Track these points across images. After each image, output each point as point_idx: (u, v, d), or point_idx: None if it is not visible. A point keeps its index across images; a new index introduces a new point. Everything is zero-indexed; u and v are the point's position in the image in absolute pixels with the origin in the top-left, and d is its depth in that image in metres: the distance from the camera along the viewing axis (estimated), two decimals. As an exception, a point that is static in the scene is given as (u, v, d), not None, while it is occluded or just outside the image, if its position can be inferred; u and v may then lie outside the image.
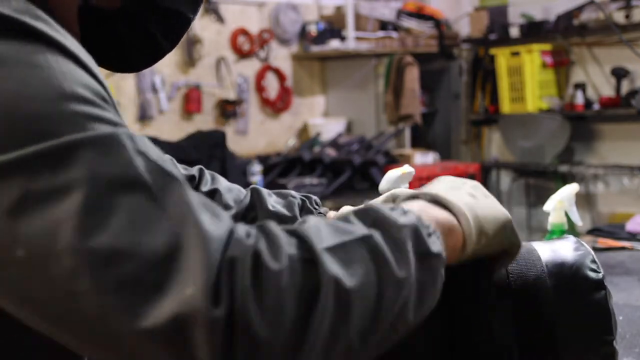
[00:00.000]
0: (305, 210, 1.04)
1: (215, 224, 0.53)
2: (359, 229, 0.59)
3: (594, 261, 0.75)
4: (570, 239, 0.80)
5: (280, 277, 0.52)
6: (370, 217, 0.61)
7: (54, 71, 0.55)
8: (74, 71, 0.56)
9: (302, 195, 1.05)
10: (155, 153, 0.56)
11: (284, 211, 1.02)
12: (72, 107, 0.54)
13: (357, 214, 0.61)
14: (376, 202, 0.74)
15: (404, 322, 0.59)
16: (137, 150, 0.55)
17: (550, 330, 0.72)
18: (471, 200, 0.69)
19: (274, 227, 0.56)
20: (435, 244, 0.62)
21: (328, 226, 0.58)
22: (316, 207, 1.04)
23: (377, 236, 0.58)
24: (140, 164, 0.54)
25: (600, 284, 0.74)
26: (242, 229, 0.54)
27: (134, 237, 0.51)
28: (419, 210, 0.65)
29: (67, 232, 0.50)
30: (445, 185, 0.72)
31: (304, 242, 0.55)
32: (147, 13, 0.77)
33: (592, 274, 0.74)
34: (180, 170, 1.04)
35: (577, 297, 0.73)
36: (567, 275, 0.74)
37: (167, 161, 0.56)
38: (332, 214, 1.02)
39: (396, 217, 0.61)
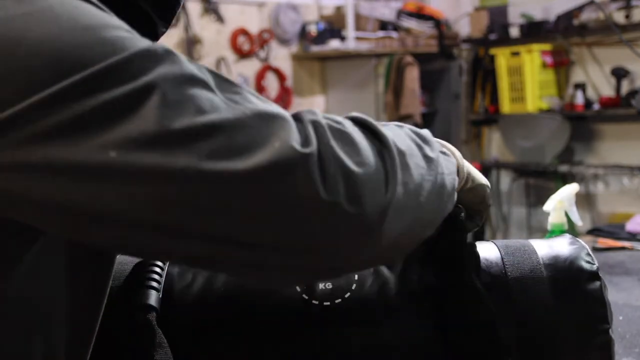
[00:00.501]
0: None
1: (277, 108, 0.57)
2: (383, 129, 0.63)
3: (588, 254, 0.77)
4: (566, 236, 0.82)
5: (352, 134, 0.58)
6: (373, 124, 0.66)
7: (92, 10, 0.57)
8: (105, 13, 0.58)
9: None
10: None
11: None
12: (122, 33, 0.56)
13: (359, 121, 0.66)
14: None
15: (448, 194, 0.64)
16: (187, 61, 0.59)
17: (547, 320, 0.73)
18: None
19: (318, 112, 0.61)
20: (447, 150, 0.69)
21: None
22: None
23: (407, 129, 0.65)
24: (194, 67, 0.58)
25: (595, 275, 0.75)
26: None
27: (218, 112, 0.53)
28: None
29: (153, 124, 0.52)
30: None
31: (358, 120, 0.62)
32: None
33: (586, 265, 0.76)
34: None
35: (572, 287, 0.75)
36: (562, 267, 0.76)
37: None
38: None
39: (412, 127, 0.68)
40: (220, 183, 0.52)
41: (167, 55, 0.58)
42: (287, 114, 0.56)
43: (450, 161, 0.67)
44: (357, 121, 0.62)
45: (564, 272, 0.75)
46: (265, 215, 0.52)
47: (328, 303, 0.75)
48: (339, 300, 0.76)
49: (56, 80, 0.51)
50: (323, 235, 0.53)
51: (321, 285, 0.76)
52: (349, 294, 0.76)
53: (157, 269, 0.77)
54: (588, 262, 0.76)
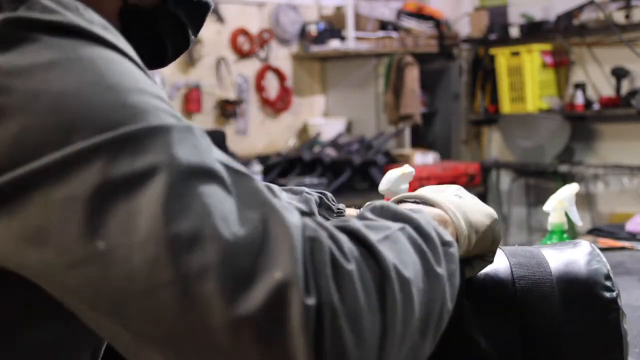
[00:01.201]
0: (323, 206, 1.01)
1: (290, 213, 0.52)
2: (391, 224, 0.58)
3: (608, 277, 0.72)
4: (584, 247, 0.76)
5: (352, 272, 0.51)
6: (389, 213, 0.61)
7: (125, 67, 0.54)
8: (139, 73, 0.56)
9: (318, 192, 1.03)
10: (219, 150, 0.56)
11: (302, 206, 0.99)
12: (148, 99, 0.53)
13: (373, 211, 0.61)
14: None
15: (447, 312, 0.59)
16: (209, 144, 0.54)
17: (558, 351, 0.70)
18: (457, 199, 0.71)
19: (323, 221, 0.55)
20: (447, 234, 0.62)
21: (364, 225, 0.57)
22: (333, 203, 1.02)
23: (410, 229, 0.59)
24: (214, 156, 0.53)
25: (613, 304, 0.70)
26: (308, 219, 0.54)
27: (216, 223, 0.49)
28: (415, 210, 0.65)
29: (150, 220, 0.48)
30: (429, 190, 0.74)
31: (356, 236, 0.54)
32: (180, 6, 0.77)
33: (605, 294, 0.71)
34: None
35: (587, 317, 0.70)
36: (578, 294, 0.71)
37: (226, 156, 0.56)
38: (351, 211, 1.01)
39: (409, 213, 0.61)
40: (202, 316, 0.47)
41: (187, 135, 0.53)
42: (292, 219, 0.51)
43: (454, 259, 0.61)
44: (355, 236, 0.55)
45: (579, 300, 0.71)
46: None
47: None
48: None
49: (66, 142, 0.50)
50: None
51: None
52: None
53: None
54: (607, 288, 0.71)
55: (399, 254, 0.55)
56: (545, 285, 0.72)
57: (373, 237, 0.55)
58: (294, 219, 0.52)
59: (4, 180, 0.50)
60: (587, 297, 0.71)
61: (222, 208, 0.50)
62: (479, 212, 0.72)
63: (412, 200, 0.70)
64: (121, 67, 0.54)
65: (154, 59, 0.80)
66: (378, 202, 0.63)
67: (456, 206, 0.70)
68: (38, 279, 0.52)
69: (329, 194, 1.03)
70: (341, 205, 1.02)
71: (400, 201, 0.71)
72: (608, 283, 0.71)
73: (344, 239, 0.53)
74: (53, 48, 0.52)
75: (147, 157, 0.50)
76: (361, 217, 0.61)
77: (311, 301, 0.48)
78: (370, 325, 0.50)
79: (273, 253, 0.49)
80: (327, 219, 0.93)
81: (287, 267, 0.48)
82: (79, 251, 0.49)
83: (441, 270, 0.58)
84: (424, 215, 0.62)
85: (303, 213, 0.87)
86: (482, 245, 0.72)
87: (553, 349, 0.70)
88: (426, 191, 0.73)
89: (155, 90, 0.55)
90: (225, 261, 0.48)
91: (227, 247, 0.49)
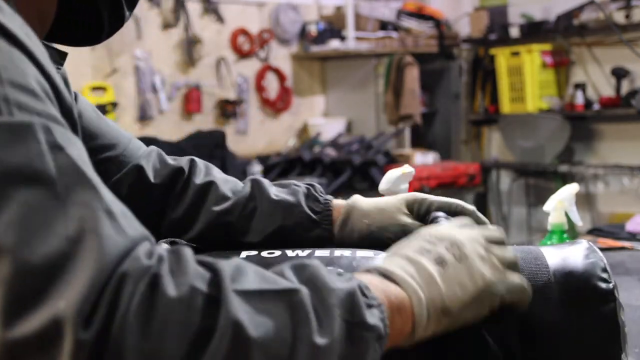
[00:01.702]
0: (311, 197, 0.98)
1: (117, 236, 0.50)
2: (287, 283, 0.55)
3: (605, 270, 0.72)
4: (582, 244, 0.77)
5: (174, 306, 0.48)
6: (306, 273, 0.57)
7: (15, 58, 0.53)
8: (17, 60, 0.54)
9: (306, 184, 1.01)
10: (77, 151, 0.53)
11: (289, 198, 0.97)
12: (15, 95, 0.51)
13: (295, 267, 0.57)
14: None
15: None
16: (52, 144, 0.51)
17: (555, 343, 0.70)
18: (436, 269, 0.65)
19: (187, 254, 0.52)
20: (374, 317, 0.57)
21: (256, 271, 0.54)
22: (321, 194, 1.00)
23: (305, 293, 0.54)
24: (51, 158, 0.50)
25: (610, 296, 0.71)
26: (145, 248, 0.51)
27: (21, 236, 0.47)
28: (369, 282, 0.61)
29: None
30: (416, 248, 0.67)
31: (214, 278, 0.51)
32: None
33: (602, 285, 0.71)
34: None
35: (584, 308, 0.71)
36: (575, 286, 0.71)
37: (87, 163, 0.53)
38: (339, 202, 1.00)
39: (334, 279, 0.57)
40: None
41: (26, 137, 0.50)
42: (109, 248, 0.49)
43: (362, 342, 0.56)
44: (213, 279, 0.51)
45: (577, 291, 0.71)
46: None
47: None
48: None
49: None
50: None
51: None
52: None
53: None
54: (604, 279, 0.71)
55: (259, 312, 0.51)
56: (542, 277, 0.72)
57: (237, 285, 0.51)
58: (115, 244, 0.49)
59: None
60: (583, 289, 0.71)
61: (34, 219, 0.48)
62: (461, 286, 0.65)
63: (378, 272, 0.64)
64: (7, 57, 0.53)
65: (90, 34, 0.80)
66: (309, 264, 0.58)
67: (429, 284, 0.63)
68: None
69: (317, 186, 1.01)
70: (329, 197, 1.00)
71: (367, 271, 0.66)
72: (604, 275, 0.72)
73: (193, 272, 0.51)
74: None
75: None
76: (274, 270, 0.57)
77: (87, 335, 0.46)
78: None
79: (67, 281, 0.47)
80: (315, 211, 0.91)
81: (73, 299, 0.46)
82: None
83: (323, 341, 0.53)
84: (358, 289, 0.57)
85: (173, 242, 0.84)
86: (469, 317, 0.66)
87: (551, 340, 0.70)
88: (414, 245, 0.67)
89: (28, 80, 0.53)
90: (14, 281, 0.46)
91: (20, 266, 0.46)
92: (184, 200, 0.96)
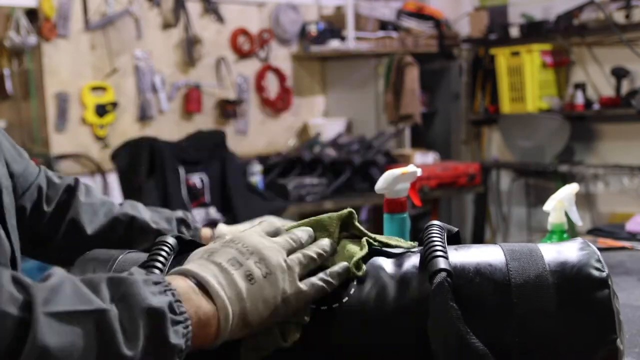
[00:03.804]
0: (183, 224, 1.13)
1: None
2: (99, 302, 0.59)
3: (598, 260, 0.74)
4: (577, 240, 0.78)
5: None
6: (121, 290, 0.61)
7: None
8: None
9: (182, 212, 1.17)
10: None
11: (164, 225, 1.10)
12: None
13: (111, 281, 0.62)
14: (194, 255, 0.75)
15: None
16: None
17: (549, 328, 0.71)
18: (245, 285, 0.71)
19: (3, 276, 0.55)
20: (177, 335, 0.63)
21: (72, 288, 0.58)
22: (194, 222, 1.13)
23: (114, 313, 0.59)
24: None
25: (604, 283, 0.72)
26: None
27: None
28: (184, 293, 0.66)
29: None
30: (230, 257, 0.73)
31: (27, 303, 0.55)
32: None
33: (595, 272, 0.73)
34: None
35: (579, 295, 0.72)
36: (569, 273, 0.73)
37: None
38: (207, 231, 1.12)
39: (147, 296, 0.62)
40: None
41: None
42: None
43: (161, 357, 0.62)
44: (27, 302, 0.55)
45: (571, 279, 0.72)
46: None
47: (325, 307, 0.76)
48: (336, 304, 0.76)
49: None
50: None
51: None
52: (347, 298, 0.76)
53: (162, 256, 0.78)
54: (597, 268, 0.73)
55: (67, 334, 0.55)
56: (537, 267, 0.73)
57: (50, 308, 0.55)
58: None
59: None
60: (578, 276, 0.73)
61: None
62: (263, 302, 0.71)
63: (197, 279, 0.70)
64: None
65: None
66: (126, 278, 0.63)
67: (237, 299, 0.70)
68: None
69: (190, 215, 1.17)
70: (198, 225, 1.15)
71: (185, 272, 0.70)
72: (598, 265, 0.73)
73: (6, 298, 0.54)
74: None
75: None
76: (88, 281, 0.61)
77: None
78: None
79: None
80: (184, 237, 0.92)
81: None
82: None
83: (129, 354, 0.58)
84: (168, 307, 0.62)
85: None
86: (268, 324, 0.73)
87: (546, 327, 0.71)
88: (228, 254, 0.73)
89: None
90: None
91: None
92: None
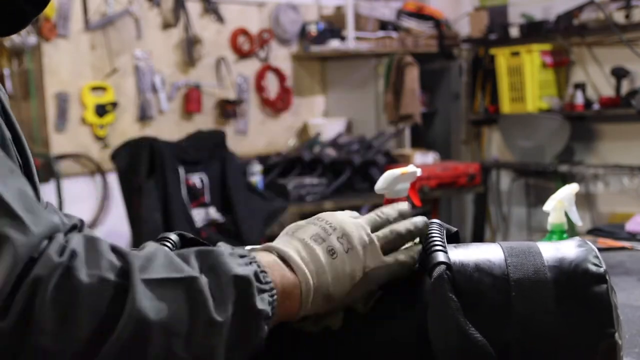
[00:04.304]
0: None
1: (26, 236, 0.54)
2: (190, 270, 0.62)
3: (596, 256, 0.75)
4: (574, 239, 0.79)
5: (85, 295, 0.55)
6: (209, 261, 0.64)
7: None
8: None
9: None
10: None
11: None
12: None
13: (200, 253, 0.65)
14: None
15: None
16: None
17: (548, 323, 0.71)
18: (327, 260, 0.72)
19: (102, 245, 0.59)
20: (263, 302, 0.65)
21: (165, 257, 0.62)
22: None
23: (203, 280, 0.62)
24: None
25: (601, 278, 0.73)
26: (56, 245, 0.56)
27: None
28: (268, 265, 0.68)
29: None
30: (313, 233, 0.74)
31: (125, 270, 0.58)
32: None
33: (593, 268, 0.73)
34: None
35: (577, 289, 0.72)
36: (567, 269, 0.73)
37: (2, 157, 0.58)
38: None
39: (234, 266, 0.64)
40: None
41: None
42: (32, 249, 0.55)
43: (251, 324, 0.64)
44: (123, 269, 0.58)
45: (569, 274, 0.73)
46: None
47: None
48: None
49: None
50: None
51: None
52: None
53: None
54: (595, 264, 0.73)
55: (161, 298, 0.58)
56: (535, 264, 0.74)
57: (145, 275, 0.58)
58: (21, 250, 0.53)
59: None
60: (575, 272, 0.73)
61: None
62: (344, 276, 0.72)
63: (279, 254, 0.71)
64: None
65: (11, 23, 0.82)
66: (213, 250, 0.65)
67: (320, 273, 0.71)
68: None
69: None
70: None
71: (269, 249, 0.72)
72: (595, 261, 0.74)
73: (106, 264, 0.57)
74: None
75: None
76: (180, 253, 0.64)
77: (4, 323, 0.52)
78: (81, 343, 0.54)
79: None
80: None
81: None
82: None
83: (219, 319, 0.61)
84: (254, 276, 0.65)
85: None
86: (350, 300, 0.73)
87: (544, 322, 0.71)
88: (310, 231, 0.74)
89: None
90: None
91: None
92: None
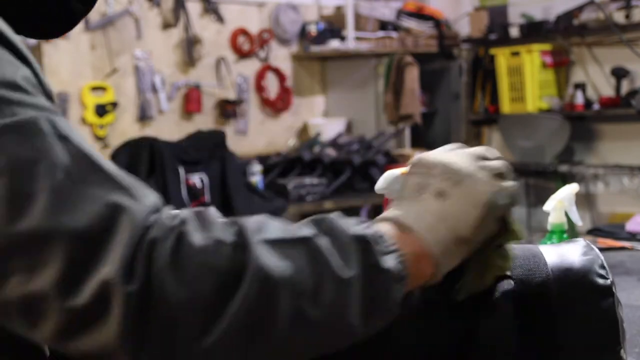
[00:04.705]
0: None
1: (139, 205, 0.55)
2: (307, 232, 0.60)
3: (602, 266, 0.72)
4: (580, 243, 0.77)
5: (204, 256, 0.54)
6: (325, 224, 0.61)
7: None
8: (5, 58, 0.58)
9: None
10: (78, 137, 0.57)
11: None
12: (8, 95, 0.55)
13: (313, 220, 0.62)
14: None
15: (347, 325, 0.59)
16: (58, 135, 0.56)
17: (554, 338, 0.70)
18: (439, 205, 0.67)
19: (212, 213, 0.58)
20: (390, 261, 0.61)
21: (278, 222, 0.60)
22: None
23: (322, 239, 0.59)
24: (60, 148, 0.55)
25: (608, 291, 0.71)
26: (167, 213, 0.57)
27: (58, 219, 0.52)
28: (385, 232, 0.65)
29: None
30: (413, 186, 0.70)
31: (240, 231, 0.57)
32: None
33: (599, 280, 0.71)
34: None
35: (582, 304, 0.71)
36: (573, 281, 0.71)
37: (89, 146, 0.58)
38: None
39: (349, 227, 0.62)
40: (45, 305, 0.53)
41: (34, 132, 0.55)
42: (138, 217, 0.55)
43: (380, 284, 0.61)
44: (240, 233, 0.57)
45: (575, 286, 0.71)
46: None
47: None
48: None
49: None
50: None
51: None
52: None
53: None
54: (601, 275, 0.71)
55: (282, 256, 0.56)
56: (541, 274, 0.72)
57: (261, 236, 0.57)
58: (138, 216, 0.54)
59: None
60: (581, 284, 0.71)
61: (64, 203, 0.53)
62: (466, 211, 0.67)
63: (394, 222, 0.67)
64: None
65: (35, 29, 0.81)
66: (327, 216, 0.63)
67: (436, 221, 0.66)
68: None
69: None
70: None
71: (386, 219, 0.68)
72: (602, 271, 0.72)
73: (219, 228, 0.56)
74: None
75: None
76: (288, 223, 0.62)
77: (132, 287, 0.52)
78: (206, 303, 0.53)
79: (107, 250, 0.53)
80: None
81: (115, 263, 0.52)
82: None
83: (345, 275, 0.58)
84: (373, 235, 0.62)
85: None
86: (487, 232, 0.69)
87: (549, 335, 0.70)
88: (411, 193, 0.70)
89: (18, 76, 0.57)
90: (65, 257, 0.52)
91: (68, 244, 0.52)
92: None
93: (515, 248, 0.77)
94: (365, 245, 0.61)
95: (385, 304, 0.61)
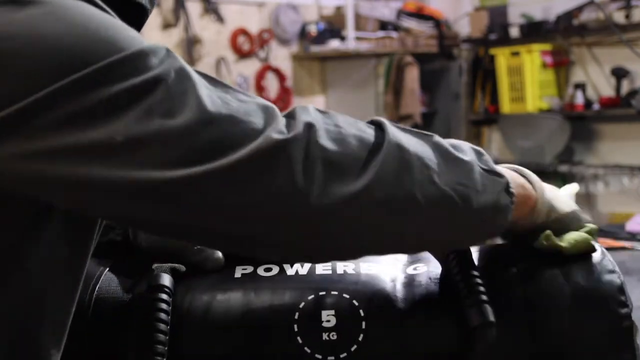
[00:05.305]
0: None
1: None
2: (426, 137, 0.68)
3: (622, 290, 0.70)
4: (599, 262, 0.73)
5: (352, 127, 0.63)
6: (433, 139, 0.70)
7: (96, 12, 0.61)
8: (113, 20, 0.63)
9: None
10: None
11: None
12: (125, 33, 0.61)
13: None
14: None
15: (468, 206, 0.64)
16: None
17: None
18: (551, 187, 0.76)
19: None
20: (501, 182, 0.67)
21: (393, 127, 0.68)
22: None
23: (442, 139, 0.68)
24: (200, 76, 0.64)
25: (626, 319, 0.69)
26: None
27: (215, 107, 0.59)
28: (505, 172, 0.71)
29: (156, 116, 0.57)
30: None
31: (375, 120, 0.66)
32: None
33: (621, 310, 0.69)
34: None
35: (600, 333, 0.68)
36: (590, 308, 0.69)
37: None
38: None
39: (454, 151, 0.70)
40: (207, 179, 0.57)
41: (168, 53, 0.63)
42: (275, 109, 0.62)
43: (496, 182, 0.67)
44: (377, 123, 0.65)
45: (592, 313, 0.69)
46: (248, 207, 0.59)
47: (332, 358, 0.70)
48: (344, 354, 0.70)
49: (62, 76, 0.55)
50: (294, 226, 0.60)
51: (325, 336, 0.70)
52: (355, 346, 0.70)
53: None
54: (622, 303, 0.69)
55: (410, 138, 0.65)
56: (556, 300, 0.71)
57: (392, 128, 0.65)
58: (271, 107, 0.62)
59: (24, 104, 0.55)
60: (599, 312, 0.69)
61: (210, 97, 0.60)
62: (561, 200, 0.76)
63: (512, 167, 0.74)
64: (92, 12, 0.61)
65: (135, 20, 0.83)
66: (433, 134, 0.71)
67: (542, 187, 0.74)
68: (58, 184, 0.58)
69: None
70: None
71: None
72: (622, 297, 0.70)
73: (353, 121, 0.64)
74: (28, 6, 0.58)
75: (145, 74, 0.58)
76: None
77: (294, 133, 0.59)
78: (355, 162, 0.61)
79: (256, 124, 0.60)
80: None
81: (274, 126, 0.60)
82: (100, 147, 0.57)
83: (466, 158, 0.66)
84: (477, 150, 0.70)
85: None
86: (563, 225, 0.75)
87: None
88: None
89: (126, 26, 0.63)
90: (221, 131, 0.59)
91: (220, 121, 0.59)
92: None
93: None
94: (481, 153, 0.69)
95: (497, 207, 0.66)
